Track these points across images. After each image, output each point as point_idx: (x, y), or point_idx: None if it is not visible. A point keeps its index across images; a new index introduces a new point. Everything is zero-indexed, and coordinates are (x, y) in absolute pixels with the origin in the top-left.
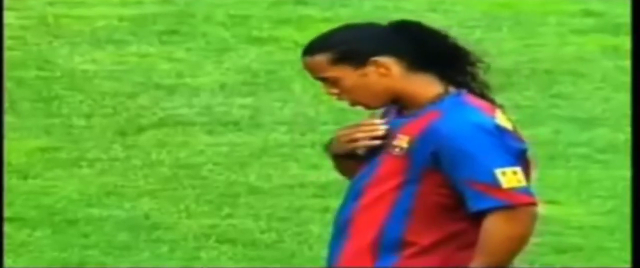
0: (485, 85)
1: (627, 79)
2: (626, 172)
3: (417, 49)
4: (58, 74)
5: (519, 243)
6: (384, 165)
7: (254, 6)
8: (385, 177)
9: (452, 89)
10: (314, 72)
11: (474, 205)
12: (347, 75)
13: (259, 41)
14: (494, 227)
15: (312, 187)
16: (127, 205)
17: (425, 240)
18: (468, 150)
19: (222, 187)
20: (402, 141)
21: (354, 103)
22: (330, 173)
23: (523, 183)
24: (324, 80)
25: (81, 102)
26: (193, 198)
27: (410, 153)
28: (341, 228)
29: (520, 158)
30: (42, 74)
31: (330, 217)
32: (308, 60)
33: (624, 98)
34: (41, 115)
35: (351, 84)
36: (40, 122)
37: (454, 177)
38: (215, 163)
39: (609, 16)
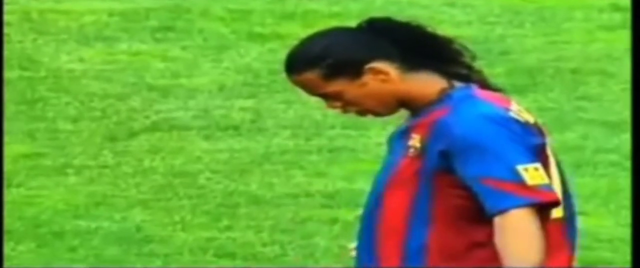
0: (482, 73)
1: None
2: None
3: (402, 47)
4: (43, 74)
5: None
6: (402, 167)
7: (255, 0)
8: (402, 179)
9: (458, 83)
10: (309, 90)
11: (495, 205)
12: (347, 88)
13: (260, 38)
14: (522, 225)
15: (319, 197)
16: (117, 216)
17: (451, 247)
18: (484, 144)
19: (220, 197)
20: (415, 141)
21: (362, 113)
22: (337, 182)
23: (546, 180)
24: (323, 96)
25: (68, 104)
26: (189, 209)
27: (423, 153)
28: (367, 233)
29: (539, 153)
30: (25, 74)
31: (337, 229)
32: (296, 78)
33: None
34: (24, 118)
35: (354, 96)
36: (23, 126)
37: (468, 174)
38: (213, 171)
39: None
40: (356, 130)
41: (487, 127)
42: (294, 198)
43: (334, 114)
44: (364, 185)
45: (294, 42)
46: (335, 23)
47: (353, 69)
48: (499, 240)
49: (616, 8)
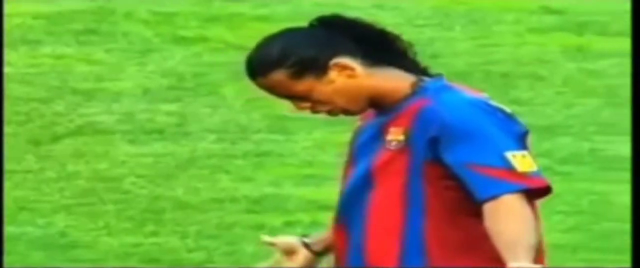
0: (429, 69)
1: (592, 82)
2: (591, 185)
3: (359, 43)
4: None
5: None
6: (382, 160)
7: (180, 2)
8: (388, 174)
9: (425, 77)
10: (278, 91)
11: (486, 191)
12: (315, 86)
13: (185, 41)
14: (515, 209)
15: (245, 202)
16: (41, 221)
17: (451, 242)
18: (473, 131)
19: (145, 202)
20: (396, 134)
21: (332, 112)
22: (264, 187)
23: (535, 167)
24: (292, 97)
25: None
26: (114, 214)
27: (409, 145)
28: (354, 233)
29: (524, 141)
30: None
31: (264, 234)
32: (262, 81)
33: (589, 103)
34: None
35: (323, 94)
36: None
37: (455, 160)
38: (137, 176)
39: (572, 14)
40: (283, 135)
41: (475, 114)
42: (219, 204)
43: (260, 118)
44: (291, 190)
45: (219, 45)
46: (262, 26)
47: (318, 65)
48: (493, 225)
49: (547, 10)
